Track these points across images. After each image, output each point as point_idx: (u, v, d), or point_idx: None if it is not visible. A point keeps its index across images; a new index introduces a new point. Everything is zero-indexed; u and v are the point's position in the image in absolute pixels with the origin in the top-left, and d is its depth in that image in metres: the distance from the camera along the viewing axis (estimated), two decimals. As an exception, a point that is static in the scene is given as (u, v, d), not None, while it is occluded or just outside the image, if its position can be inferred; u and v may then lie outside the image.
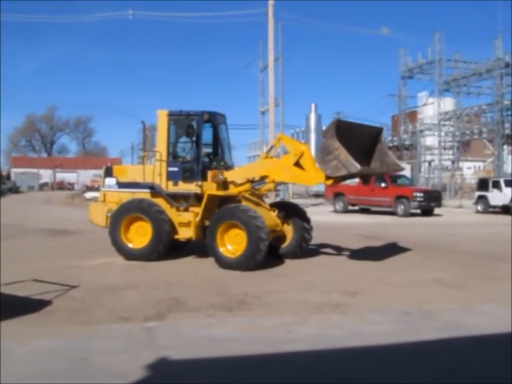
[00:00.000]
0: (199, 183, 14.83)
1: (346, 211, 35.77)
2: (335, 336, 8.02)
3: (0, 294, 7.84)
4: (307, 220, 15.97)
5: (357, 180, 37.21)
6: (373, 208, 35.28)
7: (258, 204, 15.23)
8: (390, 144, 70.90)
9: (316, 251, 16.92)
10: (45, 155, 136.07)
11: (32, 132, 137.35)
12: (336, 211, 36.27)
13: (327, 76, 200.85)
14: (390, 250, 17.36)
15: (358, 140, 13.95)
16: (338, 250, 17.20)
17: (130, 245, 15.06)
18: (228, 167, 15.77)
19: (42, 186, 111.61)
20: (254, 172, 15.39)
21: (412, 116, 69.30)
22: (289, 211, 15.87)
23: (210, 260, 14.43)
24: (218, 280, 12.25)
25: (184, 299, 10.28)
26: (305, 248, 15.95)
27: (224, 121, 16.37)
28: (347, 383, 6.34)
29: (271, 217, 14.90)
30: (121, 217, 15.10)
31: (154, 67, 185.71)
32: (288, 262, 14.86)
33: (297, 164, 14.25)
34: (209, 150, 16.11)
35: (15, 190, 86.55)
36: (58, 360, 6.88)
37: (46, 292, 10.53)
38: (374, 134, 15.01)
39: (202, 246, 14.96)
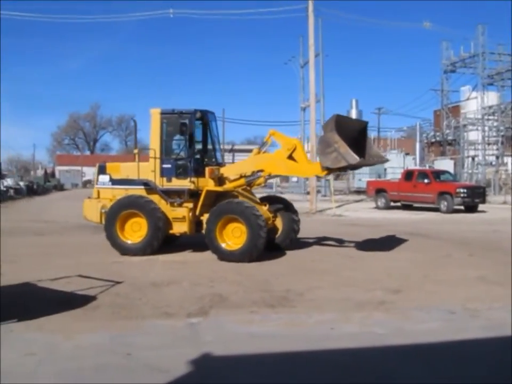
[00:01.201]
0: (193, 179, 15.28)
1: (388, 207, 35.49)
2: (378, 334, 7.97)
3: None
4: (295, 212, 16.63)
5: (399, 176, 36.99)
6: (416, 205, 34.90)
7: (250, 199, 15.74)
8: (433, 140, 70.26)
9: (359, 248, 16.83)
10: (88, 153, 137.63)
11: (76, 130, 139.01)
12: (378, 207, 36.03)
13: (368, 71, 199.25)
14: (434, 247, 17.18)
15: (352, 133, 14.58)
16: (381, 247, 17.08)
17: (127, 241, 15.44)
18: (219, 164, 16.27)
19: (86, 184, 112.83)
20: (250, 166, 16.03)
21: (455, 110, 68.43)
22: (279, 205, 16.62)
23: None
24: (260, 277, 12.26)
25: (226, 295, 10.31)
26: (295, 240, 16.56)
27: (214, 119, 16.96)
28: (390, 382, 6.29)
29: (263, 211, 15.33)
30: (117, 213, 15.47)
31: (195, 65, 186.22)
32: (330, 259, 14.82)
33: (290, 158, 15.07)
34: (200, 147, 16.60)
35: (59, 187, 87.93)
36: (103, 355, 6.97)
37: (90, 287, 10.68)
38: (362, 127, 15.53)
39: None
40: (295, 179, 56.74)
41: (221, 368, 6.65)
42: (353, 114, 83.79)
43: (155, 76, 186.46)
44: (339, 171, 16.88)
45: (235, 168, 16.58)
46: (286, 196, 48.27)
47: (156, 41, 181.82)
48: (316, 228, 22.48)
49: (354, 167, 15.83)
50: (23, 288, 10.71)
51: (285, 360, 6.91)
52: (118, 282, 11.23)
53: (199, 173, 15.46)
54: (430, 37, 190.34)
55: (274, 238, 15.98)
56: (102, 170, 16.63)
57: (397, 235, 20.27)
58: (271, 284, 11.45)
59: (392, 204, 35.91)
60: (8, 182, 61.43)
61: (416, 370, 6.55)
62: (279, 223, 16.26)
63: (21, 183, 65.15)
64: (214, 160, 16.34)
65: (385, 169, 53.78)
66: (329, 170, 15.00)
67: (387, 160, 18.55)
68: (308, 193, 36.80)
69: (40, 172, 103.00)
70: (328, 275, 12.54)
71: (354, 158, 13.69)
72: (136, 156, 16.25)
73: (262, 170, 15.62)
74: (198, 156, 15.98)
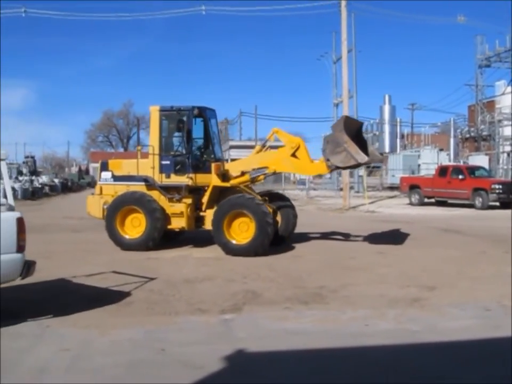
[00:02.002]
0: (190, 175, 15.55)
1: (422, 204, 35.15)
2: (412, 331, 7.91)
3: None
4: (293, 208, 17.05)
5: (433, 172, 36.64)
6: (450, 201, 34.54)
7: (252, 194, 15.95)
8: (467, 135, 69.44)
9: (392, 244, 16.72)
10: (121, 150, 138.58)
11: (109, 127, 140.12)
12: (412, 204, 35.70)
13: (401, 66, 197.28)
14: (468, 244, 17.01)
15: (352, 132, 14.93)
16: (415, 243, 16.96)
17: (126, 236, 15.78)
18: (217, 160, 16.42)
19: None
20: (255, 163, 16.47)
21: (490, 105, 67.44)
22: (278, 200, 17.11)
23: (286, 253, 14.67)
24: (293, 273, 12.25)
25: (260, 291, 10.33)
26: (292, 234, 16.91)
27: (214, 116, 17.17)
28: (425, 382, 6.22)
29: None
30: (117, 209, 15.79)
31: (227, 62, 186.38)
32: (364, 256, 14.74)
33: (293, 156, 15.56)
34: (200, 143, 16.87)
35: (93, 184, 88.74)
36: (138, 350, 7.01)
37: (125, 283, 10.78)
38: (359, 127, 15.93)
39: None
40: (328, 175, 56.50)
41: (255, 364, 6.66)
42: (386, 110, 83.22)
43: (187, 73, 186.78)
44: (343, 169, 17.23)
45: (240, 164, 17.02)
46: (319, 193, 48.35)
47: (187, 38, 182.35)
48: (349, 225, 22.42)
49: (358, 165, 16.30)
50: (59, 284, 10.86)
51: (319, 357, 6.89)
52: (152, 279, 11.31)
53: (198, 169, 15.79)
54: (465, 31, 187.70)
55: (278, 230, 16.16)
56: (104, 167, 17.03)
57: (431, 231, 20.09)
58: (304, 281, 11.43)
59: (426, 200, 35.56)
60: (43, 179, 62.26)
61: (451, 368, 6.48)
62: (278, 217, 16.56)
63: (56, 180, 66.09)
64: (212, 156, 16.50)
65: (419, 165, 53.33)
66: (335, 168, 15.73)
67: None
68: (341, 189, 36.70)
69: (74, 169, 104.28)
70: (361, 272, 12.48)
71: (362, 157, 14.34)
72: (138, 153, 16.76)
73: (266, 167, 16.02)
74: (197, 152, 16.36)
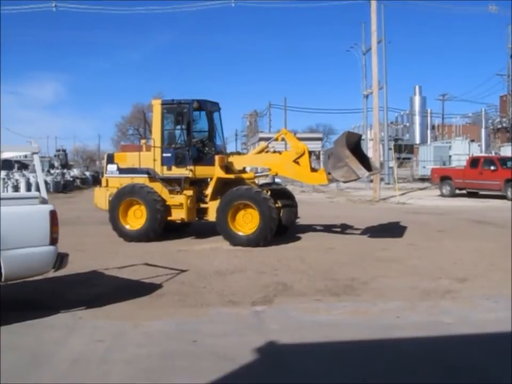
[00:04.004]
0: (190, 167, 15.78)
1: (453, 195, 34.84)
2: (445, 323, 7.85)
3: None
4: (292, 198, 17.25)
5: (464, 163, 36.27)
6: (482, 192, 34.16)
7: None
8: (499, 126, 68.70)
9: (425, 237, 16.61)
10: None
11: (140, 120, 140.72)
12: (443, 195, 35.39)
13: (431, 57, 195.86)
14: (500, 235, 16.80)
15: (356, 147, 15.46)
16: (446, 235, 16.82)
17: (127, 227, 16.09)
18: (218, 153, 16.40)
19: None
20: (259, 162, 17.34)
21: (522, 95, 66.59)
22: (277, 191, 17.10)
23: (317, 245, 14.63)
24: (324, 265, 12.22)
25: (291, 283, 10.33)
26: (294, 224, 17.27)
27: (217, 109, 17.26)
28: (458, 375, 6.18)
29: None
30: (119, 201, 16.11)
31: (257, 54, 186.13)
32: (394, 248, 14.67)
33: (295, 161, 15.72)
34: (201, 136, 16.95)
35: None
36: (170, 342, 7.06)
37: (156, 275, 10.87)
38: (358, 140, 16.24)
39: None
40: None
41: (286, 356, 6.66)
42: (417, 101, 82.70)
43: (217, 66, 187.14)
44: (344, 183, 17.58)
45: (245, 160, 17.30)
46: (349, 184, 47.98)
47: (216, 31, 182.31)
48: (380, 216, 22.32)
49: (358, 179, 16.45)
50: (91, 276, 10.97)
51: (350, 349, 6.88)
52: (183, 271, 11.38)
53: (198, 162, 15.99)
54: (496, 21, 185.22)
55: (281, 219, 16.27)
56: (110, 159, 17.34)
57: (462, 223, 19.92)
58: (335, 272, 11.41)
59: (457, 191, 35.24)
60: (75, 172, 62.89)
61: (484, 360, 6.43)
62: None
63: (87, 173, 66.69)
64: (213, 149, 16.56)
65: (450, 157, 52.83)
66: (336, 181, 16.10)
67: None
68: (371, 181, 36.50)
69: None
70: (392, 263, 12.42)
71: (363, 172, 14.79)
72: (144, 146, 17.18)
73: (269, 169, 16.49)
74: (198, 145, 16.42)
